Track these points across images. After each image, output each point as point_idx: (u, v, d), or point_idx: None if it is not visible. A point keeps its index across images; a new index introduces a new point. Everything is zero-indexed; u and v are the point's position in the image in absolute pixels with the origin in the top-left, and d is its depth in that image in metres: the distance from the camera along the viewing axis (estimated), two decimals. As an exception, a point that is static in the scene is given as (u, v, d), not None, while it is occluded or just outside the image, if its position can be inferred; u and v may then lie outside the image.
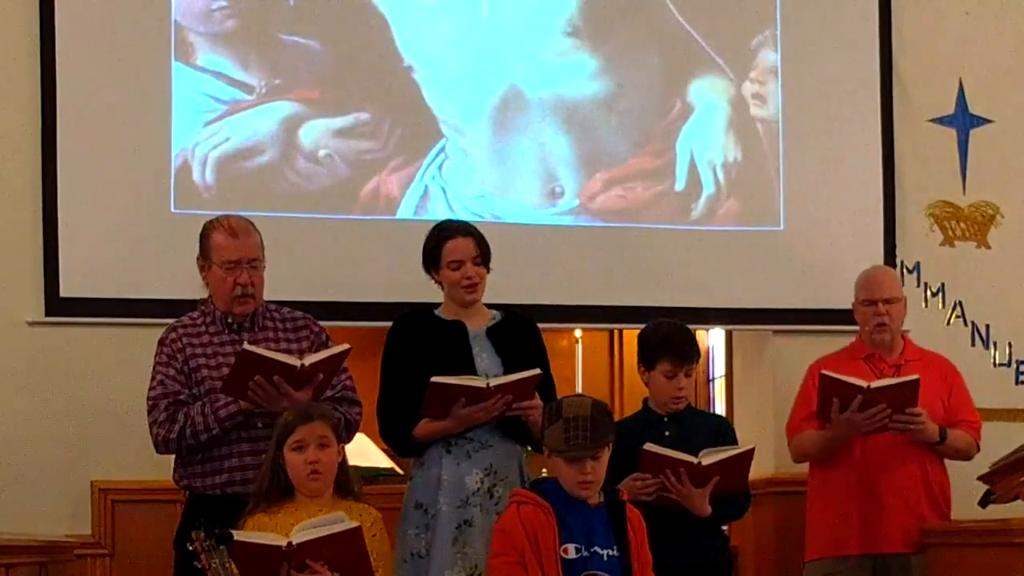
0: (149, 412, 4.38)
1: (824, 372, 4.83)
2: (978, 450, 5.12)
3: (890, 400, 4.78)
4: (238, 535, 3.76)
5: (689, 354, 4.55)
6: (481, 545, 4.28)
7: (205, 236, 4.47)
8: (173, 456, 4.46)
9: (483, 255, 4.56)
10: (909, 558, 4.98)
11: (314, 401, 4.26)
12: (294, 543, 3.72)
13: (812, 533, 5.12)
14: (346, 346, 4.38)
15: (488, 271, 4.61)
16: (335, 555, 3.78)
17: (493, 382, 4.34)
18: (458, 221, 4.81)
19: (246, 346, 4.24)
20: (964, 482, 5.12)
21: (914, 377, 4.82)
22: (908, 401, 4.81)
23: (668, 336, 4.58)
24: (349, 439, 4.40)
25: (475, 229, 4.63)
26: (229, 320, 4.46)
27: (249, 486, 4.27)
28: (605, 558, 3.91)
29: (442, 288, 4.61)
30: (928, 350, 5.30)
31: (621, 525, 3.97)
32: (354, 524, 3.81)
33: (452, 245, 4.55)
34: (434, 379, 4.33)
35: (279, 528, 3.91)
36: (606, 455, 3.97)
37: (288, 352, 4.36)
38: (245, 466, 4.33)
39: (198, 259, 4.48)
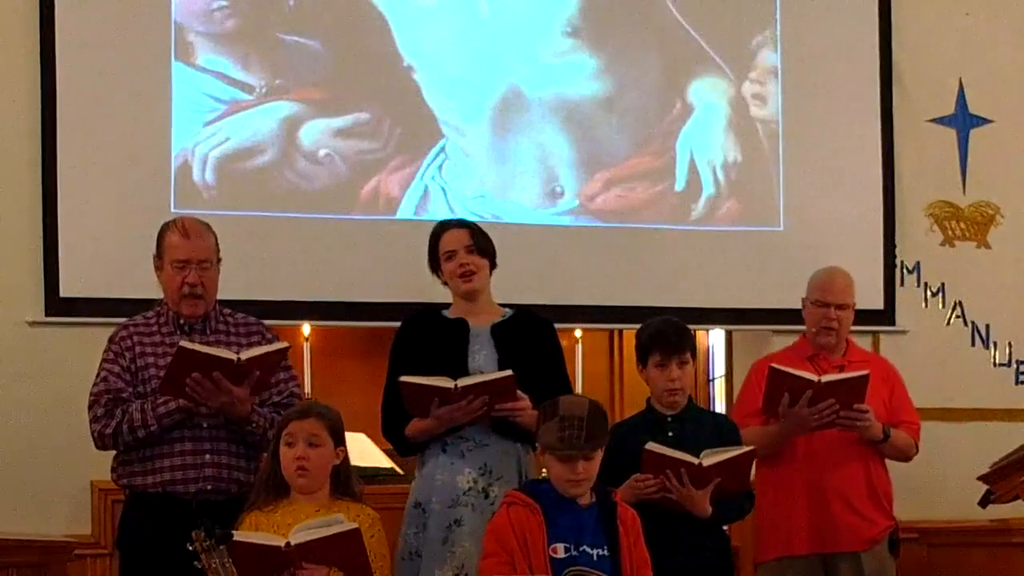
0: (89, 407, 4.38)
1: (773, 365, 4.82)
2: (917, 451, 5.11)
3: (839, 395, 4.78)
4: (237, 534, 3.76)
5: (678, 344, 4.52)
6: (471, 544, 4.27)
7: (160, 236, 4.48)
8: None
9: (479, 245, 4.55)
10: (859, 555, 4.97)
11: (252, 398, 4.27)
12: (292, 544, 3.72)
13: (762, 534, 5.10)
14: (283, 344, 4.41)
15: (494, 265, 4.61)
16: (334, 556, 3.78)
17: (461, 383, 4.32)
18: (458, 219, 4.82)
19: (182, 343, 4.24)
20: (960, 480, 5.10)
21: (864, 372, 4.82)
22: (856, 397, 4.81)
23: (657, 329, 4.58)
24: None
25: (471, 223, 4.65)
26: (181, 321, 4.46)
27: (190, 485, 4.29)
28: (595, 557, 3.92)
29: (449, 287, 4.62)
30: (869, 352, 5.32)
31: (612, 525, 3.98)
32: (353, 525, 3.80)
33: (446, 237, 4.57)
34: (401, 379, 4.34)
35: (276, 527, 3.91)
36: (599, 457, 3.98)
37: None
38: (187, 465, 4.31)
39: (154, 258, 4.49)
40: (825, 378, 4.77)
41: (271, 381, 4.39)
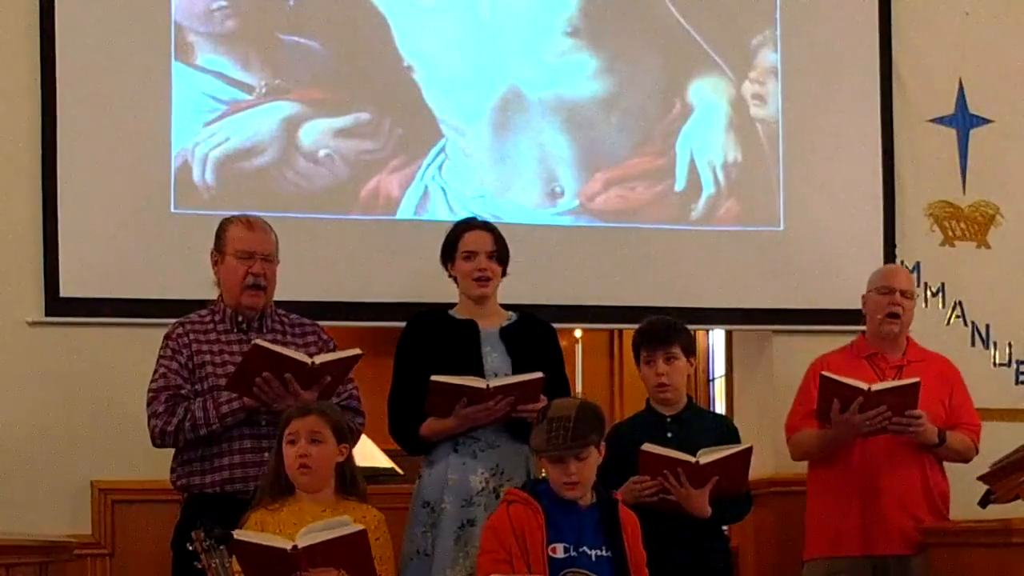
0: (148, 404, 4.38)
1: (824, 374, 4.82)
2: (976, 452, 5.11)
3: (890, 402, 4.78)
4: (242, 535, 3.75)
5: (664, 338, 4.52)
6: (483, 543, 4.28)
7: (222, 230, 4.51)
8: (171, 456, 4.46)
9: (499, 252, 4.58)
10: (909, 559, 4.98)
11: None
12: (299, 547, 3.71)
13: (812, 532, 5.12)
14: (357, 350, 4.37)
15: (505, 273, 4.62)
16: (339, 558, 3.77)
17: (493, 383, 4.34)
18: (482, 219, 4.82)
19: (258, 341, 4.23)
20: (963, 482, 5.11)
21: (915, 380, 4.81)
22: (908, 403, 4.81)
23: (646, 324, 4.60)
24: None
25: (495, 228, 4.67)
26: (239, 319, 4.46)
27: (250, 484, 4.27)
28: (594, 559, 3.93)
29: (457, 284, 4.62)
30: (931, 351, 5.30)
31: (613, 526, 3.98)
32: (359, 527, 3.80)
33: (469, 236, 4.59)
34: (433, 378, 4.33)
35: (281, 526, 3.91)
36: (593, 456, 3.96)
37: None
38: (246, 463, 4.32)
39: (212, 253, 4.51)
40: (875, 387, 4.77)
41: (339, 390, 4.38)
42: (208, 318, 4.50)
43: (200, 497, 4.34)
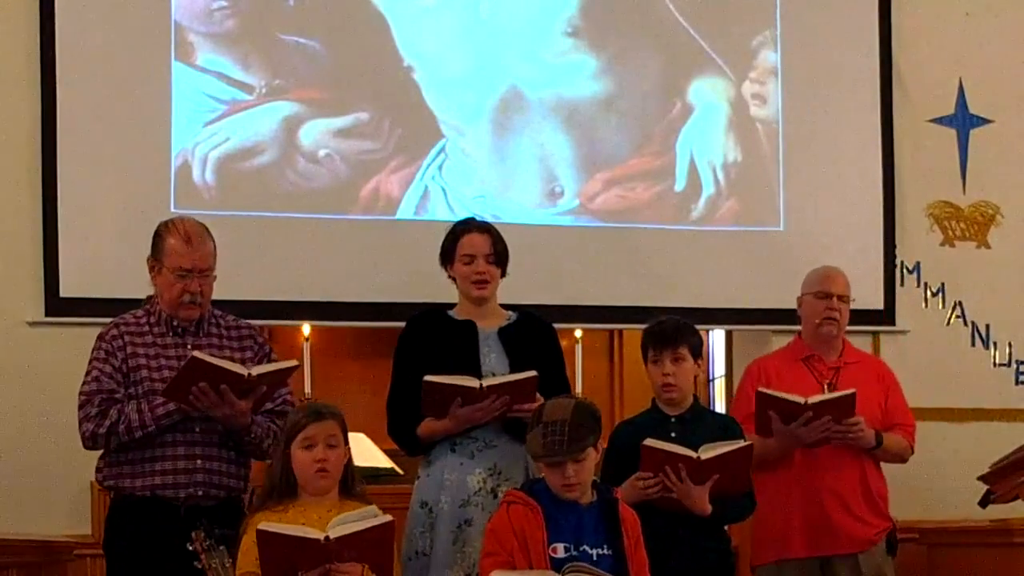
0: (80, 407, 4.30)
1: (760, 390, 4.83)
2: (912, 452, 5.12)
3: (829, 413, 4.80)
4: (270, 526, 3.73)
5: (672, 339, 4.49)
6: (481, 545, 4.27)
7: (159, 238, 4.38)
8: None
9: (497, 255, 4.57)
10: (856, 557, 4.99)
11: (253, 412, 4.24)
12: (332, 537, 3.70)
13: (758, 537, 5.12)
14: (293, 362, 4.38)
15: (504, 274, 4.62)
16: (366, 550, 3.76)
17: (486, 383, 4.34)
18: (480, 220, 4.81)
19: (196, 354, 4.17)
20: (963, 481, 5.11)
21: (850, 391, 4.82)
22: (845, 413, 4.83)
23: (655, 324, 4.59)
24: None
25: (494, 229, 4.65)
26: (175, 323, 4.40)
27: (180, 490, 4.24)
28: (595, 557, 3.91)
29: (456, 284, 4.62)
30: (865, 352, 5.32)
31: (613, 524, 3.97)
32: (389, 517, 3.80)
33: (468, 239, 4.57)
34: (427, 378, 4.33)
35: (289, 526, 3.90)
36: (590, 457, 3.95)
37: (231, 360, 4.30)
38: (178, 470, 4.26)
39: (149, 259, 4.39)
40: (812, 400, 4.78)
41: (274, 395, 4.36)
42: (144, 320, 4.41)
43: (129, 499, 4.28)
